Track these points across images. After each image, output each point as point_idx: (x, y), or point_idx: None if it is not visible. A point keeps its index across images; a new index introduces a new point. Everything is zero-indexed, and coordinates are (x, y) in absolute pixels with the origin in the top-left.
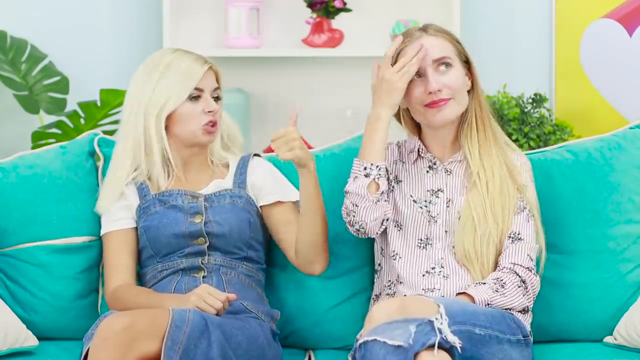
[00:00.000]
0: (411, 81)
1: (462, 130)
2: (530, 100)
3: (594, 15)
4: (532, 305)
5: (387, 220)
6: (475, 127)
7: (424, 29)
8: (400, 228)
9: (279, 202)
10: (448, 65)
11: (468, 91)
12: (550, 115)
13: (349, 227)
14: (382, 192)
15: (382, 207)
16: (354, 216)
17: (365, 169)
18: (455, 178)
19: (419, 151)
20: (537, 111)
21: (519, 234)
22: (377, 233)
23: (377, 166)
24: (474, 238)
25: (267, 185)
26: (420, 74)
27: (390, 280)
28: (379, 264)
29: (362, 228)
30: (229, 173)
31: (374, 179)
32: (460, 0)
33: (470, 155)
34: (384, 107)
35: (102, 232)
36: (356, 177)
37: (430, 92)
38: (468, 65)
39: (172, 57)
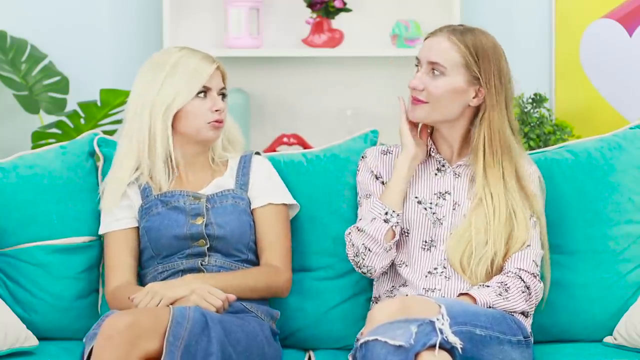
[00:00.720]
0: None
1: (472, 148)
2: (530, 100)
3: (594, 15)
4: (532, 311)
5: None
6: (482, 150)
7: (447, 27)
8: (408, 234)
9: (270, 204)
10: (439, 72)
11: (477, 112)
12: (550, 115)
13: (354, 266)
14: (395, 242)
15: (392, 255)
16: (363, 259)
17: (386, 213)
18: (463, 181)
19: (429, 151)
20: (537, 111)
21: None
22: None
23: (398, 214)
24: (462, 254)
25: (262, 188)
26: (420, 64)
27: (393, 286)
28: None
29: (369, 272)
30: (228, 171)
31: (392, 226)
32: (460, 0)
33: (476, 175)
34: (406, 156)
35: (103, 231)
36: (374, 218)
37: (412, 88)
38: (479, 84)
39: (179, 55)
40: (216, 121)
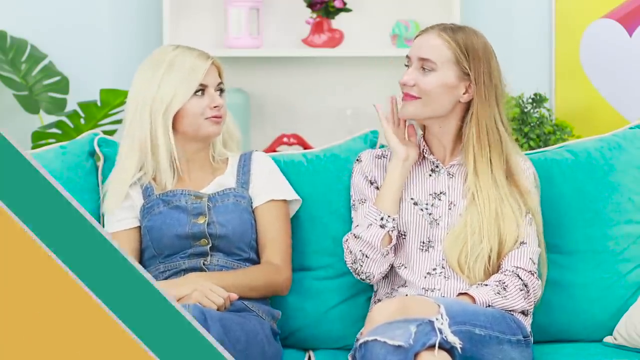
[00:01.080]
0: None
1: (463, 145)
2: (530, 100)
3: (594, 15)
4: (532, 310)
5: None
6: (472, 145)
7: (438, 26)
8: (405, 236)
9: (271, 201)
10: (430, 68)
11: (468, 109)
12: (550, 115)
13: (353, 272)
14: (393, 246)
15: (389, 260)
16: (361, 265)
17: (382, 219)
18: (457, 181)
19: (422, 152)
20: (537, 111)
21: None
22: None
23: (393, 219)
24: (460, 254)
25: (263, 185)
26: (410, 62)
27: (392, 288)
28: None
29: (368, 278)
30: (229, 169)
31: (388, 231)
32: (460, 0)
33: (467, 172)
34: (396, 160)
35: None
36: (371, 224)
37: (403, 84)
38: (469, 80)
39: (175, 54)
40: (215, 117)
